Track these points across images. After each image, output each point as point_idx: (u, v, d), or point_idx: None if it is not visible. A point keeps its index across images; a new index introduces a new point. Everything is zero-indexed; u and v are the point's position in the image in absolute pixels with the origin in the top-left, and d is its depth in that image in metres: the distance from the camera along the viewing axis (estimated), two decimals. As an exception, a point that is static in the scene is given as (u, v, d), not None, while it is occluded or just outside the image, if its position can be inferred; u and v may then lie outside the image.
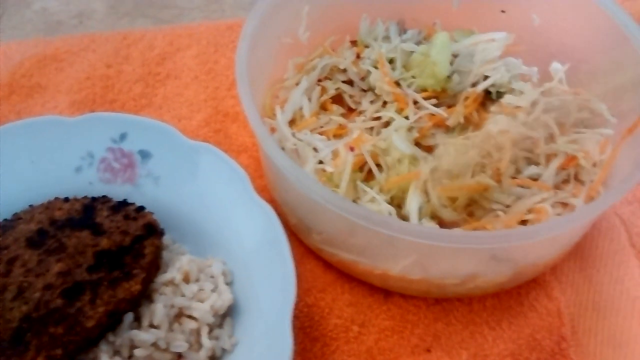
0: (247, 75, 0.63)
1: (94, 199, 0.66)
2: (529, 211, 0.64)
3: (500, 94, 0.72)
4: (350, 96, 0.74)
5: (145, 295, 0.59)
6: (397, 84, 0.71)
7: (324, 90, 0.74)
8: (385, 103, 0.72)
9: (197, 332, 0.60)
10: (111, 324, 0.56)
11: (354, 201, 0.64)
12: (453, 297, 0.68)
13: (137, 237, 0.61)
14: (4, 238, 0.62)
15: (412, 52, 0.74)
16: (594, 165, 0.68)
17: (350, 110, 0.74)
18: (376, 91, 0.72)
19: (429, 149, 0.68)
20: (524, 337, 0.65)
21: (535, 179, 0.67)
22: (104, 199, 0.67)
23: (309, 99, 0.73)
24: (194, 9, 1.00)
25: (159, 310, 0.58)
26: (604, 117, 0.70)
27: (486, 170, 0.66)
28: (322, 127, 0.72)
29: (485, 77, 0.72)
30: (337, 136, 0.71)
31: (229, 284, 0.64)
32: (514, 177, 0.66)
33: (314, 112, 0.72)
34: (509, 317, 0.67)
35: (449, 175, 0.64)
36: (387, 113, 0.69)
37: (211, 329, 0.61)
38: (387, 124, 0.69)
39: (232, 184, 0.66)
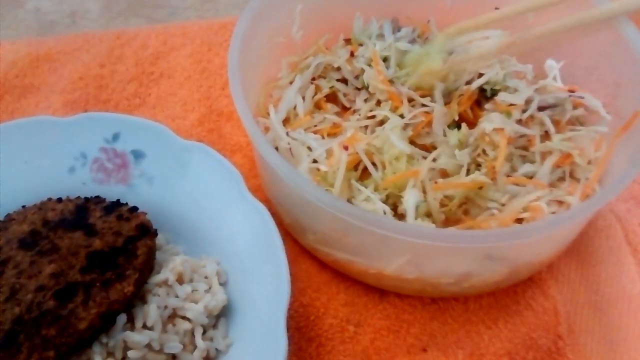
0: (239, 75, 0.63)
1: (87, 199, 0.66)
2: (524, 209, 0.64)
3: (494, 92, 0.71)
4: (345, 95, 0.74)
5: (139, 296, 0.59)
6: (391, 82, 0.71)
7: (318, 88, 0.74)
8: (379, 102, 0.71)
9: (191, 333, 0.60)
10: (104, 325, 0.56)
11: (349, 200, 0.64)
12: (449, 296, 0.67)
13: (130, 238, 0.61)
14: (-3, 239, 0.62)
15: (406, 50, 0.74)
16: (589, 162, 0.68)
17: (345, 108, 0.74)
18: (370, 90, 0.71)
19: (424, 148, 0.68)
20: (520, 336, 0.65)
21: (530, 176, 0.67)
22: (97, 200, 0.66)
23: (303, 98, 0.73)
24: (188, 8, 1.00)
25: (152, 311, 0.58)
26: (599, 115, 0.70)
27: (481, 168, 0.65)
28: (316, 125, 0.71)
29: (480, 75, 0.72)
30: (332, 135, 0.70)
31: (223, 284, 0.63)
32: (508, 175, 0.66)
33: (308, 111, 0.72)
34: (505, 315, 0.66)
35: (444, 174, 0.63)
36: (382, 112, 0.69)
37: (205, 329, 0.61)
38: (381, 122, 0.69)
39: (226, 183, 0.66)
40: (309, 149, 0.68)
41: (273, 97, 0.74)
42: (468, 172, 0.64)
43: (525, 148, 0.69)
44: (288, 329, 0.57)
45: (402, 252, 0.60)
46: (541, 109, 0.70)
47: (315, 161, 0.67)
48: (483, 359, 0.64)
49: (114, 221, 0.63)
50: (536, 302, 0.67)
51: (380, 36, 0.77)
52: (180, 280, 0.61)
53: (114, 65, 0.87)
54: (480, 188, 0.63)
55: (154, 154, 0.69)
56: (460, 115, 0.69)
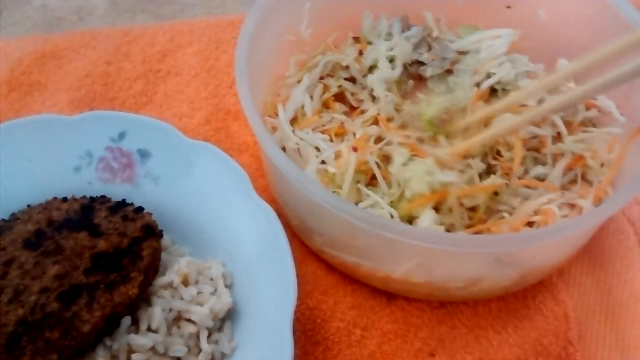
0: (246, 74, 0.62)
1: (92, 199, 0.66)
2: (536, 212, 0.63)
3: (506, 92, 0.70)
4: (352, 94, 0.73)
5: (143, 299, 0.58)
6: (398, 82, 0.70)
7: (326, 88, 0.73)
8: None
9: (196, 336, 0.59)
10: (108, 328, 0.55)
11: (357, 203, 0.63)
12: (458, 300, 0.66)
13: (135, 239, 0.60)
14: (1, 239, 0.61)
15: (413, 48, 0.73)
16: (602, 165, 0.67)
17: (353, 108, 0.73)
18: (373, 94, 0.70)
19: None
20: (530, 341, 0.64)
21: (541, 179, 0.66)
22: (103, 199, 0.66)
23: (311, 97, 0.72)
24: (196, 4, 0.99)
25: (157, 313, 0.57)
26: (612, 116, 0.69)
27: (495, 171, 0.64)
28: (324, 125, 0.70)
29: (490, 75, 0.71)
30: (339, 134, 0.69)
31: (229, 286, 0.63)
32: (520, 178, 0.65)
33: (316, 110, 0.71)
34: (514, 320, 0.66)
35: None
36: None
37: (210, 332, 0.60)
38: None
39: (233, 184, 0.65)
40: (317, 149, 0.67)
41: (281, 95, 0.73)
42: (481, 178, 0.63)
43: (536, 149, 0.68)
44: (294, 332, 0.56)
45: (411, 256, 0.59)
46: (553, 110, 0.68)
47: (323, 162, 0.66)
48: (492, 364, 0.63)
49: (119, 222, 0.62)
50: (546, 306, 0.66)
51: (390, 35, 0.76)
52: (185, 282, 0.61)
53: (121, 63, 0.86)
54: (496, 194, 0.62)
55: (160, 154, 0.68)
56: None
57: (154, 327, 0.57)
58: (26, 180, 0.67)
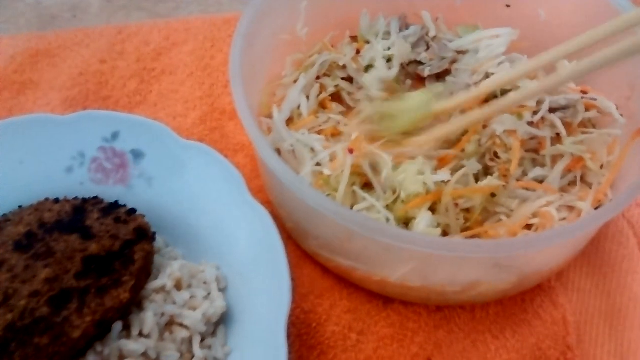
0: (241, 74, 0.61)
1: (84, 200, 0.65)
2: (534, 215, 0.62)
3: (504, 92, 0.69)
4: (349, 94, 0.72)
5: (135, 303, 0.57)
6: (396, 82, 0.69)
7: (322, 87, 0.72)
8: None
9: (189, 341, 0.58)
10: (99, 333, 0.54)
11: (352, 206, 0.62)
12: (455, 304, 0.65)
13: (127, 242, 0.59)
14: (-8, 241, 0.60)
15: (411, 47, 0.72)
16: (602, 167, 0.66)
17: (350, 108, 0.72)
18: (370, 94, 0.69)
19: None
20: (528, 346, 0.63)
21: (540, 181, 0.65)
22: (95, 200, 0.65)
23: (307, 97, 0.71)
24: (192, 2, 0.98)
25: (149, 318, 0.56)
26: (613, 117, 0.68)
27: (493, 172, 0.63)
28: (320, 126, 0.69)
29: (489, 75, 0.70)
30: (336, 135, 0.68)
31: (223, 290, 0.62)
32: (518, 180, 0.64)
33: (312, 110, 0.70)
34: (512, 325, 0.65)
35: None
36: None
37: (203, 337, 0.59)
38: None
39: (227, 186, 0.64)
40: (313, 150, 0.66)
41: (277, 96, 0.72)
42: (477, 180, 0.62)
43: (535, 151, 0.67)
44: (289, 336, 0.56)
45: (407, 261, 0.58)
46: (552, 110, 0.67)
47: (318, 164, 0.65)
48: (489, 369, 0.62)
49: (111, 224, 0.61)
50: (545, 311, 0.65)
51: (388, 34, 0.75)
52: (178, 286, 0.60)
53: (115, 61, 0.85)
54: (493, 195, 0.61)
55: (154, 154, 0.67)
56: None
57: (145, 332, 0.56)
58: (17, 181, 0.67)
